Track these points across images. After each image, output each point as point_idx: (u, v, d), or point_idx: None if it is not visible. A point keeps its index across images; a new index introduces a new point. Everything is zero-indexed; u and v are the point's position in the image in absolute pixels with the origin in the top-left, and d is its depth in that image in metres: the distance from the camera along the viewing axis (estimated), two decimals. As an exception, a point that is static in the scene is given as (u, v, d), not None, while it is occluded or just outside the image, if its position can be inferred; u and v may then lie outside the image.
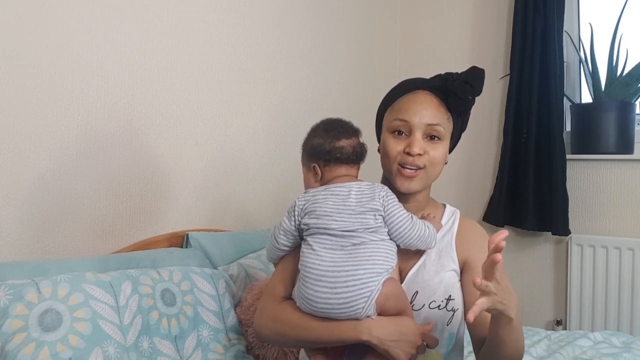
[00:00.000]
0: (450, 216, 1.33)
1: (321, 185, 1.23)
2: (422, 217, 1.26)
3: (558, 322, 2.52)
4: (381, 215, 1.16)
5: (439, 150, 1.24)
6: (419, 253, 1.27)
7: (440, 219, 1.31)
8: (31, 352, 1.17)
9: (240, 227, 2.11)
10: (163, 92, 1.85)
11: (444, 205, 1.36)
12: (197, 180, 1.97)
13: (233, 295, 1.64)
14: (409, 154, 1.21)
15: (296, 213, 1.20)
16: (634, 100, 2.41)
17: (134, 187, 1.77)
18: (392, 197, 1.19)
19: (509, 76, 2.60)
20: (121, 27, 1.72)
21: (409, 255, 1.26)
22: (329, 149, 1.20)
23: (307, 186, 1.26)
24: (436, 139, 1.24)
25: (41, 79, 1.53)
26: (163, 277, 1.50)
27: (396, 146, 1.24)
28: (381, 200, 1.16)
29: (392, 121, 1.26)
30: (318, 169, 1.23)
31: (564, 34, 2.52)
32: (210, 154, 2.01)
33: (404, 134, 1.24)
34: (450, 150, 1.32)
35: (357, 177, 1.25)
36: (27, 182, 1.51)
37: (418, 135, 1.22)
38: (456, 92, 1.23)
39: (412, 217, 1.19)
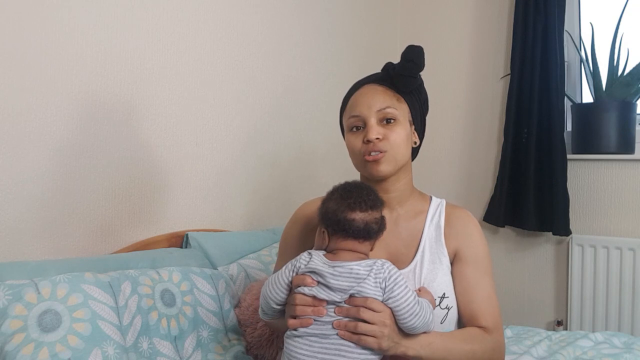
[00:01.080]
0: (437, 208, 1.33)
1: (326, 251, 1.15)
2: (420, 290, 1.21)
3: (559, 323, 2.52)
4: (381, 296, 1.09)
5: (396, 131, 1.25)
6: (414, 251, 1.27)
7: (427, 212, 1.32)
8: (30, 353, 1.17)
9: (240, 227, 2.11)
10: (163, 92, 1.85)
11: (430, 197, 1.36)
12: (197, 180, 1.96)
13: (233, 295, 1.64)
14: (368, 141, 1.23)
15: (296, 268, 1.14)
16: (635, 100, 2.41)
17: (134, 187, 1.77)
18: (396, 277, 1.10)
19: (509, 76, 2.59)
20: (121, 26, 1.71)
21: (403, 253, 1.27)
22: (338, 219, 1.11)
23: (316, 247, 1.19)
24: (392, 121, 1.25)
25: (40, 79, 1.52)
26: (163, 278, 1.49)
27: (356, 141, 1.26)
28: (383, 284, 1.09)
29: (347, 120, 1.29)
30: (326, 235, 1.14)
31: (565, 34, 2.51)
32: (210, 154, 2.01)
33: (361, 128, 1.26)
34: (421, 136, 1.34)
35: (367, 253, 1.15)
36: (26, 182, 1.50)
37: (372, 122, 1.24)
38: (400, 72, 1.26)
39: (418, 301, 1.10)
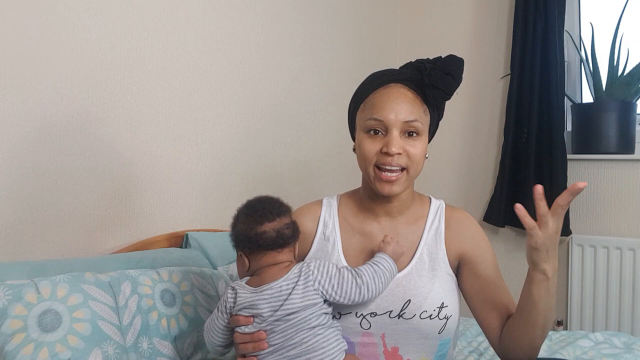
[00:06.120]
0: (436, 212, 1.28)
1: (250, 274, 1.16)
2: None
3: (559, 323, 2.52)
4: (322, 297, 1.10)
5: (417, 147, 1.17)
6: (410, 255, 1.23)
7: (426, 217, 1.27)
8: (30, 353, 1.16)
9: (240, 227, 2.11)
10: (163, 92, 1.85)
11: (430, 198, 1.31)
12: (197, 180, 1.96)
13: (233, 295, 1.64)
14: (387, 153, 1.14)
15: (227, 309, 1.15)
16: (635, 100, 2.41)
17: (134, 187, 1.77)
18: (322, 269, 1.12)
19: (509, 76, 2.59)
20: (120, 26, 1.71)
21: (401, 261, 1.22)
22: (250, 236, 1.12)
23: (239, 274, 1.20)
24: (414, 135, 1.17)
25: (40, 78, 1.52)
26: (162, 278, 1.49)
27: (372, 147, 1.16)
28: (316, 285, 1.10)
29: (365, 120, 1.18)
30: (244, 257, 1.15)
31: (565, 34, 2.51)
32: (210, 154, 2.01)
33: (380, 133, 1.17)
34: (429, 140, 1.26)
35: (291, 259, 1.15)
36: (26, 181, 1.50)
37: (395, 133, 1.15)
38: (436, 84, 1.15)
39: (339, 270, 1.12)
